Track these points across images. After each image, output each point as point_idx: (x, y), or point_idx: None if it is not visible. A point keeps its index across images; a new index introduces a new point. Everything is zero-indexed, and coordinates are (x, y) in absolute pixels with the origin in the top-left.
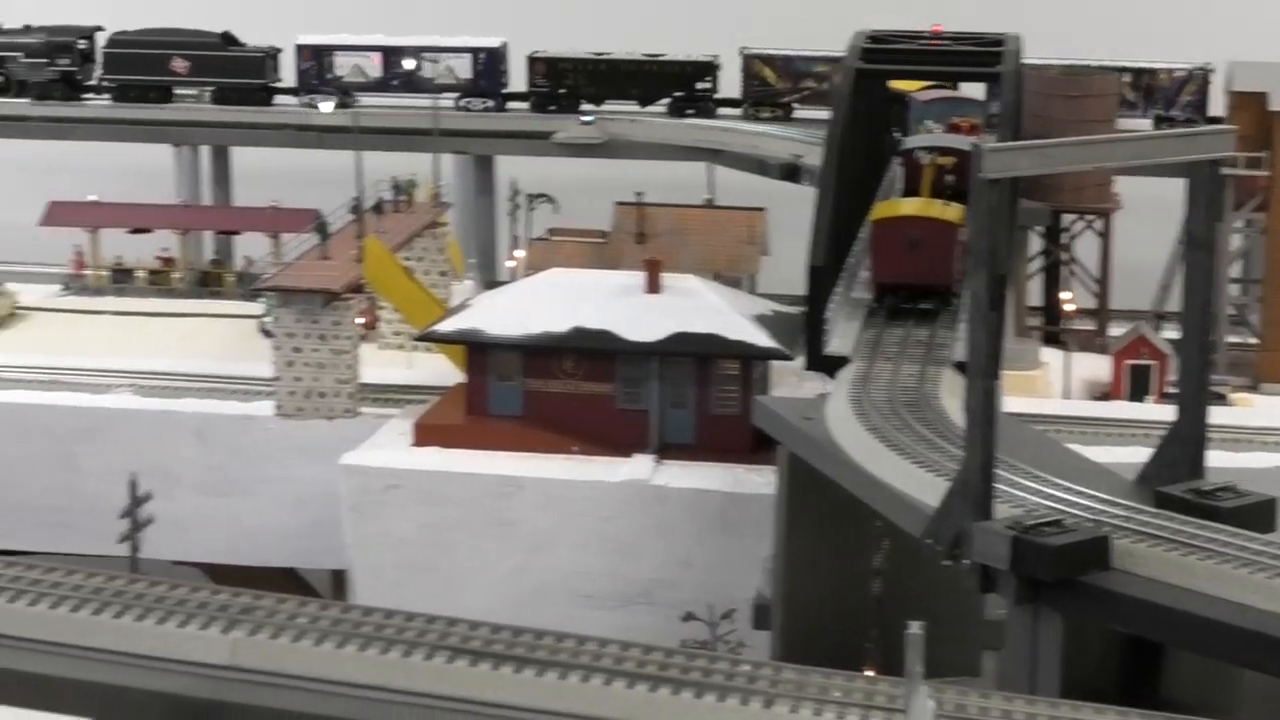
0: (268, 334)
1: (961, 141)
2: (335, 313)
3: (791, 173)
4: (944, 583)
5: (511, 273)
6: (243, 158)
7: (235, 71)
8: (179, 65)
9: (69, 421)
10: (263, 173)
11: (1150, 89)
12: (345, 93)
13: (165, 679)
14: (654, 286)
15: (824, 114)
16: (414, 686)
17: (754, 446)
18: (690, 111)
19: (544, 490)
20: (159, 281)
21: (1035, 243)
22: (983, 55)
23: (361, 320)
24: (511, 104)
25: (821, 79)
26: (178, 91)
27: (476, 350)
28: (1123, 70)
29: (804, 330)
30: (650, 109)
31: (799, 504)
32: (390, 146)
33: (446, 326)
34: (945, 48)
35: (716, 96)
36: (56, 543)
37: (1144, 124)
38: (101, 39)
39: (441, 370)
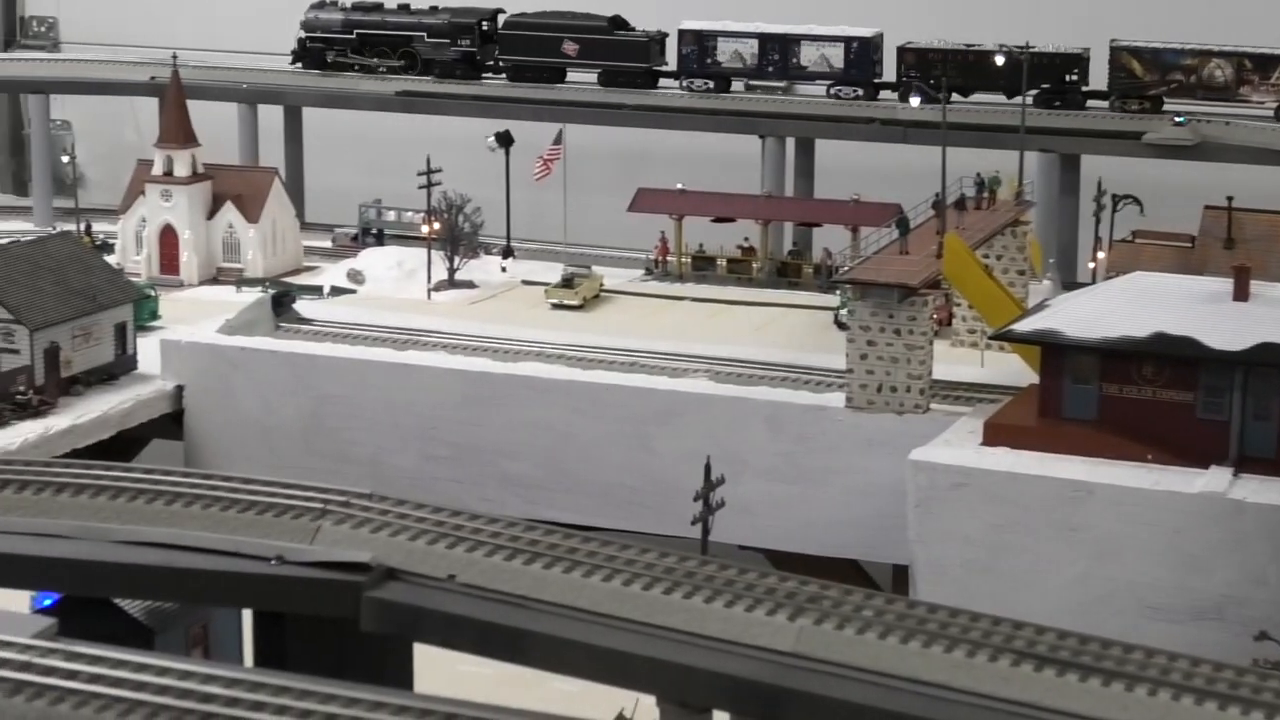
0: (842, 326)
1: None
2: (911, 308)
3: None
4: None
5: (1092, 274)
6: (826, 150)
7: (622, 55)
8: (569, 48)
9: (646, 403)
10: (845, 166)
11: None
12: (724, 79)
13: (731, 661)
14: (1242, 294)
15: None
16: (977, 687)
17: None
18: (1057, 104)
19: (1115, 497)
20: (738, 270)
21: None
22: None
23: (936, 316)
24: (883, 94)
25: (1190, 71)
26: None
27: (1053, 351)
28: None
29: None
30: (1244, 110)
31: None
32: (975, 143)
33: (1023, 326)
34: None
35: (1084, 89)
36: (631, 521)
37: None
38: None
39: (1014, 370)
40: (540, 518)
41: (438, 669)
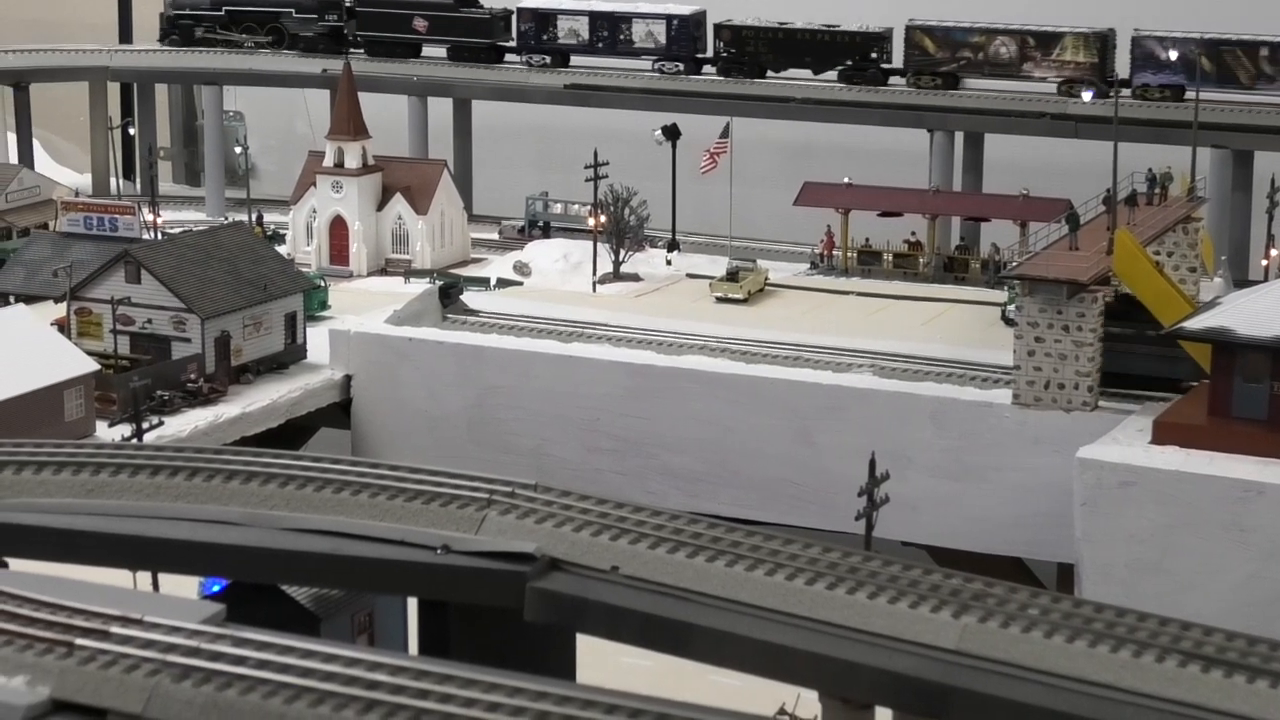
0: (1010, 322)
1: None
2: (1080, 304)
3: None
4: None
5: (1264, 272)
6: (995, 145)
7: (468, 31)
8: (420, 24)
9: (810, 398)
10: (1015, 161)
11: None
12: (561, 54)
13: (894, 658)
14: None
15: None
16: (1143, 688)
17: None
18: (858, 81)
19: None
20: (904, 265)
21: None
22: None
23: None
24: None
25: (978, 49)
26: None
27: (1224, 350)
28: (1260, 45)
29: None
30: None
31: None
32: (1147, 138)
33: (1194, 324)
34: None
35: (885, 66)
36: (793, 516)
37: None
38: None
39: None
40: (702, 511)
41: (600, 660)
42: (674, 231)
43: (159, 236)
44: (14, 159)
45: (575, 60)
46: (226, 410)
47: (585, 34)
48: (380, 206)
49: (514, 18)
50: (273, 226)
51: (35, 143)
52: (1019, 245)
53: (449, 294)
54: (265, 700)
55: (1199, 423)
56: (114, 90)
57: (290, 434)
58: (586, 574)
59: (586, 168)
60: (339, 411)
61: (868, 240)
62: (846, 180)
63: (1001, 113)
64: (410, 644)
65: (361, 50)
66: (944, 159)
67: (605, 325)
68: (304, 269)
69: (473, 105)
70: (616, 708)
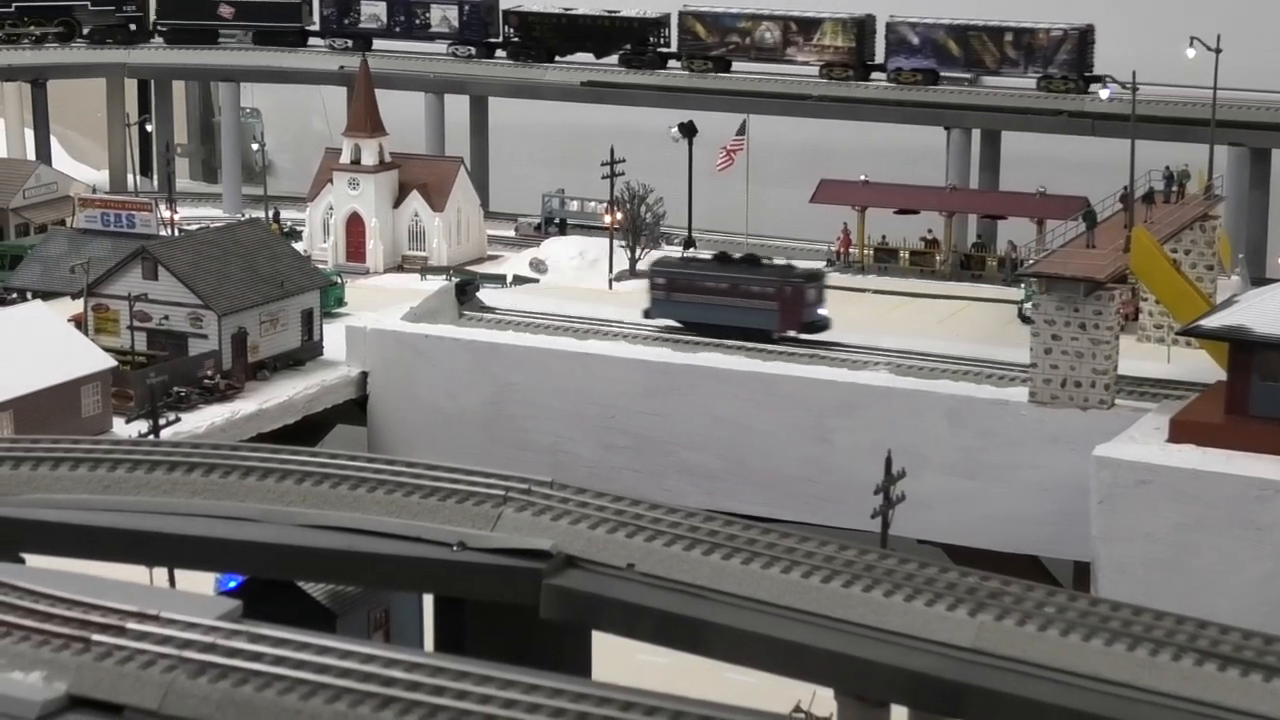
0: (1027, 320)
1: None
2: (1097, 302)
3: None
4: None
5: None
6: (1012, 142)
7: (275, 16)
8: (225, 10)
9: (826, 396)
10: (1030, 158)
11: (1030, 48)
12: (363, 38)
13: (910, 656)
14: None
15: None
16: (1159, 687)
17: None
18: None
19: None
20: (921, 263)
21: None
22: None
23: (1122, 311)
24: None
25: (744, 34)
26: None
27: (1241, 348)
28: (1005, 30)
29: None
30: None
31: None
32: (1164, 136)
33: (1211, 322)
34: None
35: (663, 50)
36: (809, 513)
37: (1027, 82)
38: None
39: (1201, 366)
40: (719, 508)
41: (615, 657)
42: (690, 229)
43: (176, 233)
44: (32, 155)
45: (378, 44)
46: (243, 407)
47: (384, 18)
48: (397, 203)
49: (316, 2)
50: (289, 223)
51: (53, 139)
52: (1036, 243)
53: (465, 291)
54: (281, 697)
55: (1216, 421)
56: (131, 87)
57: (306, 431)
58: (602, 571)
59: (603, 165)
60: (355, 408)
61: (884, 238)
62: (863, 178)
63: (1017, 110)
64: (426, 641)
65: (161, 39)
66: (960, 157)
67: (621, 322)
68: (320, 266)
69: (489, 102)
70: (632, 705)
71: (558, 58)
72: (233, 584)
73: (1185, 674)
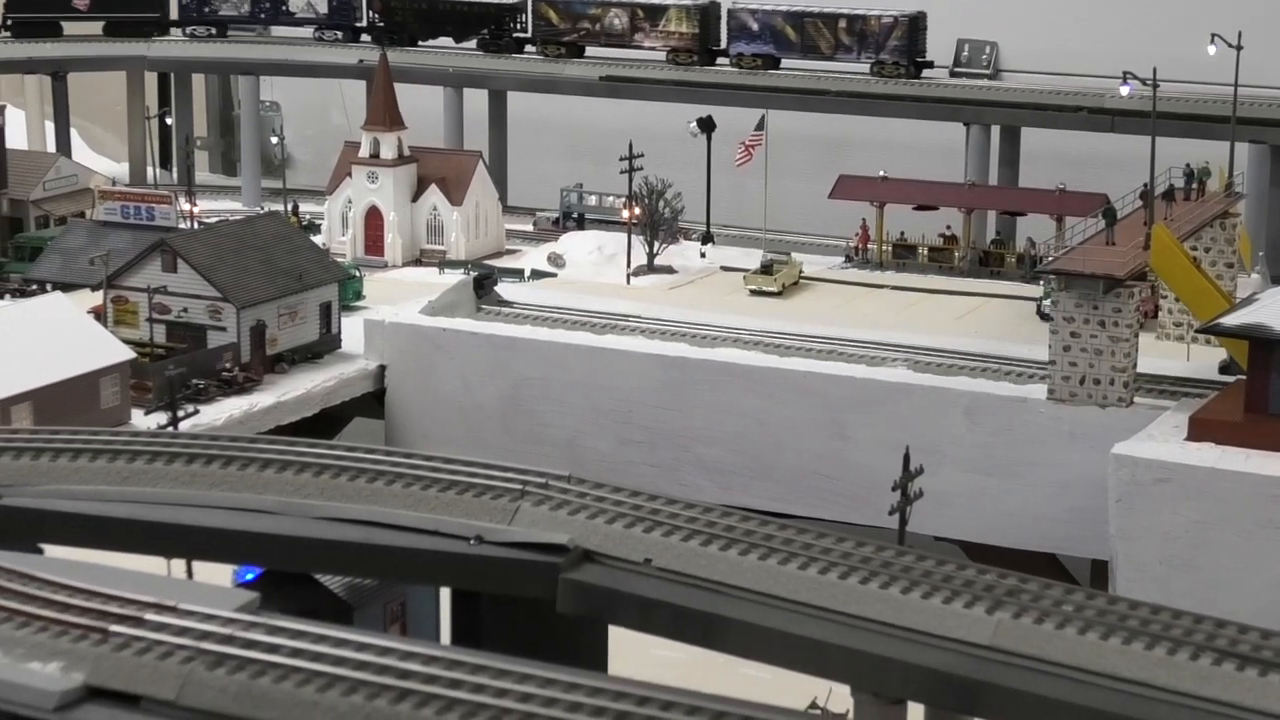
0: (1045, 317)
1: None
2: (1117, 299)
3: None
4: None
5: None
6: (1031, 138)
7: (132, 6)
8: (80, 2)
9: (843, 392)
10: (1050, 154)
11: (863, 34)
12: (222, 25)
13: (927, 653)
14: None
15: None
16: (1177, 686)
17: None
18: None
19: None
20: (939, 259)
21: None
22: None
23: (1141, 309)
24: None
25: (595, 20)
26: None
27: (1260, 346)
28: (839, 17)
29: None
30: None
31: None
32: (1185, 133)
33: (1231, 320)
34: None
35: (519, 35)
36: (825, 509)
37: (860, 68)
38: None
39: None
40: (735, 504)
41: (632, 652)
42: (708, 224)
43: (195, 226)
44: (52, 148)
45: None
46: (261, 399)
47: (247, 6)
48: (415, 197)
49: None
50: (308, 216)
51: (73, 131)
52: (1055, 240)
53: (483, 285)
54: (298, 689)
55: (1235, 419)
56: (151, 80)
57: (325, 423)
58: (619, 566)
59: (621, 159)
60: (373, 401)
61: (903, 234)
62: (881, 174)
63: (1036, 106)
64: (443, 634)
65: (8, 33)
66: (980, 153)
67: (639, 317)
68: (339, 259)
69: (508, 96)
70: (648, 699)
71: (420, 42)
72: (250, 576)
73: (1203, 673)
